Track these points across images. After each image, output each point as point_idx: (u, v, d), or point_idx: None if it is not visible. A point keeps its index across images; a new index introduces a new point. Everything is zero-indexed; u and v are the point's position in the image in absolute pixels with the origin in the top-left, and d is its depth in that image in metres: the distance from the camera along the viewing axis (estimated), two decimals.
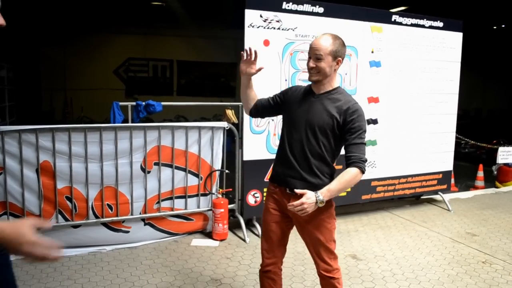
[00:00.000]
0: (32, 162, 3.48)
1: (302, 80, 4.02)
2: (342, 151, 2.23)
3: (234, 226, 4.27)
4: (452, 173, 5.60)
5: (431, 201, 5.53)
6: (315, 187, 2.08)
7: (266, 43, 3.97)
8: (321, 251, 2.24)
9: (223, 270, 3.41)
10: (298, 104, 2.23)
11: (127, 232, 3.86)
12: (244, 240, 4.02)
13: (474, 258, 3.76)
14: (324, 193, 2.02)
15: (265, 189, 3.92)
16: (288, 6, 4.05)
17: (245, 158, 4.03)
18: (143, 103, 4.19)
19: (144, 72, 14.39)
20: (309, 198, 1.98)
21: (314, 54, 2.13)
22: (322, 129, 2.14)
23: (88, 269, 3.35)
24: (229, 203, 4.19)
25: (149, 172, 3.86)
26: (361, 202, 4.84)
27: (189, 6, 10.72)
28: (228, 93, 14.05)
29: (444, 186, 5.34)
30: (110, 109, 4.12)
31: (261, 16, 3.92)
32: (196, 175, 4.09)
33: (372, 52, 4.59)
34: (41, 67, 12.59)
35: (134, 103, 4.22)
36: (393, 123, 4.81)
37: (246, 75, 2.30)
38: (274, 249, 2.34)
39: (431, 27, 4.92)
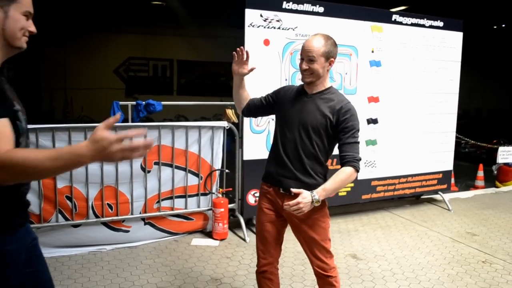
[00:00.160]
0: None
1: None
2: (335, 151, 2.23)
3: (234, 226, 4.27)
4: (452, 172, 5.60)
5: (431, 201, 5.53)
6: (309, 187, 2.09)
7: (266, 42, 3.97)
8: (316, 250, 2.24)
9: (223, 270, 3.41)
10: (291, 104, 2.24)
11: (127, 231, 3.86)
12: (244, 240, 4.02)
13: (474, 258, 3.76)
14: (319, 193, 2.03)
15: None
16: (288, 6, 4.05)
17: (245, 157, 4.03)
18: (143, 102, 4.19)
19: (144, 71, 14.40)
20: (304, 198, 1.99)
21: (306, 56, 2.12)
22: (315, 129, 2.15)
23: (88, 269, 3.35)
24: (229, 203, 4.19)
25: (149, 171, 3.86)
26: (361, 201, 4.84)
27: (189, 5, 10.72)
28: (228, 92, 13.75)
29: (444, 186, 5.34)
30: (110, 108, 4.12)
31: (261, 15, 3.91)
32: (196, 175, 4.09)
33: (372, 51, 4.59)
34: (41, 67, 12.59)
35: (134, 103, 4.23)
36: (393, 122, 4.81)
37: (238, 75, 2.30)
38: (270, 249, 2.34)
39: (431, 26, 4.92)
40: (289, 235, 2.39)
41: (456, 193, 6.08)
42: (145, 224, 3.93)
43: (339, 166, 2.16)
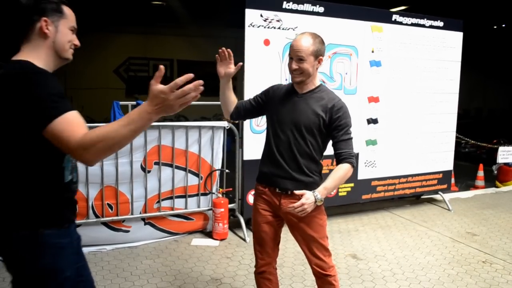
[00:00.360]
0: None
1: None
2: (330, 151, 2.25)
3: (234, 226, 4.27)
4: (453, 172, 5.60)
5: (431, 201, 5.53)
6: (306, 185, 2.12)
7: (267, 42, 3.97)
8: (315, 249, 2.24)
9: (223, 270, 3.41)
10: (282, 104, 2.23)
11: (127, 231, 3.86)
12: (244, 240, 4.02)
13: (474, 258, 3.76)
14: (321, 192, 2.05)
15: None
16: (288, 6, 4.05)
17: (245, 157, 4.03)
18: (143, 102, 4.19)
19: (144, 71, 14.39)
20: (308, 199, 2.00)
21: (296, 55, 2.12)
22: (308, 128, 2.16)
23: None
24: (229, 203, 4.19)
25: (149, 171, 3.86)
26: (361, 201, 4.84)
27: (189, 5, 10.72)
28: None
29: (444, 186, 5.34)
30: (110, 108, 4.11)
31: (261, 15, 3.91)
32: (196, 175, 4.09)
33: (373, 51, 4.59)
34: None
35: (134, 103, 4.22)
36: (393, 122, 4.81)
37: (225, 77, 2.27)
38: (267, 250, 2.33)
39: (431, 26, 4.92)
40: (289, 235, 2.38)
41: (456, 193, 6.08)
42: (145, 224, 3.93)
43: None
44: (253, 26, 3.89)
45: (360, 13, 4.48)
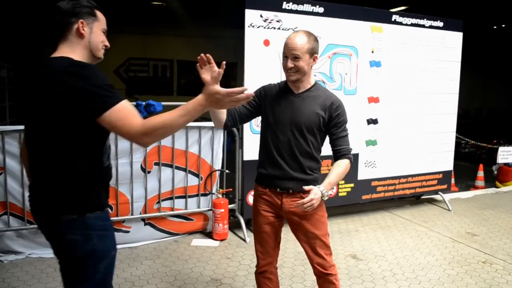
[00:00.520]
0: None
1: None
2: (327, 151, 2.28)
3: (234, 226, 4.27)
4: (453, 173, 5.60)
5: (431, 201, 5.53)
6: (307, 183, 2.14)
7: (266, 43, 3.97)
8: (317, 247, 2.25)
9: (223, 270, 3.41)
10: (278, 104, 2.21)
11: (127, 232, 3.86)
12: (244, 240, 4.02)
13: (475, 258, 3.76)
14: (326, 187, 2.08)
15: None
16: (288, 6, 4.05)
17: (245, 158, 4.03)
18: (143, 103, 4.19)
19: (144, 72, 14.40)
20: (316, 194, 2.02)
21: (291, 54, 2.11)
22: (309, 128, 2.17)
23: None
24: (229, 203, 4.19)
25: (149, 172, 3.86)
26: (361, 202, 4.84)
27: (189, 5, 10.72)
28: None
29: (444, 186, 5.34)
30: None
31: (261, 16, 3.92)
32: (196, 175, 4.09)
33: (372, 52, 4.59)
34: None
35: (134, 103, 4.22)
36: (393, 123, 4.81)
37: (212, 83, 2.06)
38: (269, 250, 2.33)
39: (431, 27, 4.92)
40: (289, 235, 2.39)
41: (456, 193, 6.08)
42: (145, 224, 3.93)
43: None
44: (253, 26, 3.89)
45: (360, 14, 4.49)
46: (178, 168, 3.98)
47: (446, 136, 5.24)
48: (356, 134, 4.55)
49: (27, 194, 3.43)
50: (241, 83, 3.94)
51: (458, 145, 6.37)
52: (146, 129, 1.50)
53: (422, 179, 5.13)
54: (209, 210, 4.15)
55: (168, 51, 13.97)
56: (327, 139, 2.27)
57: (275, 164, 2.21)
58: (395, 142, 4.86)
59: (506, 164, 6.75)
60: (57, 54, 1.62)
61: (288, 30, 4.04)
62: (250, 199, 4.11)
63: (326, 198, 2.08)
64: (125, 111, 1.52)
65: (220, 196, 4.14)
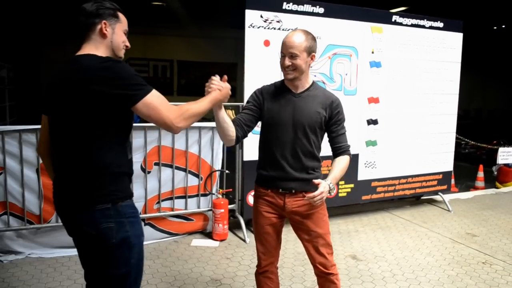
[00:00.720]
0: (32, 162, 3.48)
1: None
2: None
3: (234, 227, 4.27)
4: (452, 173, 5.60)
5: (431, 202, 5.53)
6: (308, 183, 2.15)
7: (267, 43, 3.97)
8: (320, 246, 2.25)
9: (223, 271, 3.41)
10: (278, 104, 2.20)
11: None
12: (244, 241, 4.02)
13: (474, 259, 3.76)
14: (333, 181, 2.11)
15: None
16: (288, 7, 4.05)
17: (245, 158, 4.03)
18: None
19: (144, 72, 14.38)
20: (325, 187, 2.04)
21: (288, 52, 2.11)
22: (312, 127, 2.18)
23: None
24: (229, 204, 4.19)
25: (149, 172, 3.86)
26: (361, 202, 4.84)
27: (189, 6, 10.72)
28: None
29: (444, 187, 5.34)
30: None
31: (261, 16, 3.92)
32: (196, 175, 4.09)
33: (372, 52, 4.59)
34: (42, 67, 12.58)
35: None
36: (393, 123, 4.81)
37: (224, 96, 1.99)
38: (270, 250, 2.33)
39: (431, 27, 4.92)
40: (289, 235, 2.39)
41: (456, 194, 6.08)
42: (145, 224, 3.93)
43: None
44: (253, 26, 3.89)
45: (360, 14, 4.49)
46: (178, 168, 3.98)
47: (446, 137, 5.24)
48: (356, 135, 4.55)
49: (27, 194, 3.47)
50: (241, 83, 3.94)
51: (458, 146, 6.38)
52: (183, 114, 1.66)
53: (422, 180, 5.13)
54: (209, 210, 4.15)
55: (168, 51, 13.97)
56: (326, 138, 2.30)
57: (277, 165, 2.20)
58: (395, 143, 4.86)
59: (506, 165, 6.75)
60: (82, 52, 1.71)
61: (288, 30, 4.04)
62: (250, 199, 4.11)
63: (332, 193, 2.09)
64: (160, 98, 1.65)
65: (220, 196, 4.14)
